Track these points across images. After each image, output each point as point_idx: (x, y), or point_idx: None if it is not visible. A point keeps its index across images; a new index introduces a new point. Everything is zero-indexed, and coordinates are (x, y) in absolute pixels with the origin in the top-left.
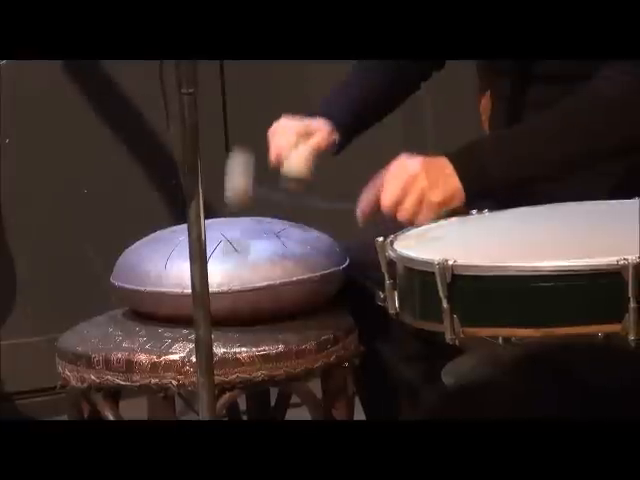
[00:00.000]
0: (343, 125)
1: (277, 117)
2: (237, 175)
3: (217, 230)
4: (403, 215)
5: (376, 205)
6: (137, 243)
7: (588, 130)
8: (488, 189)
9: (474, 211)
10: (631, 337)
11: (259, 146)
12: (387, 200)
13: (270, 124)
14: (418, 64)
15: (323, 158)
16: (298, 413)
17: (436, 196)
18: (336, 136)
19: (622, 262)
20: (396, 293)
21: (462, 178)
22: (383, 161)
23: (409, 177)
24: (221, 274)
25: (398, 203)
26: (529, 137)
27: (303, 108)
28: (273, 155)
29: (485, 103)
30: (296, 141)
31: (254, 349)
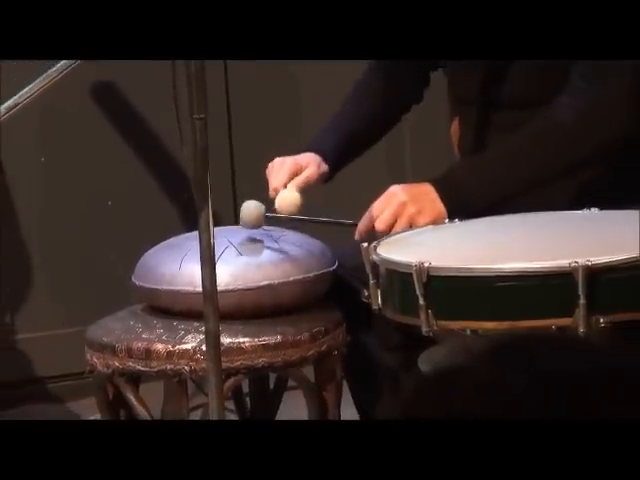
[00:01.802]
0: (332, 157)
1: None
2: (251, 212)
3: (224, 236)
4: None
5: (371, 228)
6: (155, 248)
7: (548, 152)
8: (467, 208)
9: (447, 219)
10: (581, 329)
11: (262, 159)
12: (381, 226)
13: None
14: (400, 98)
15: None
16: (294, 395)
17: (423, 220)
18: (325, 167)
19: (573, 264)
20: (379, 291)
21: (446, 202)
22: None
23: (399, 205)
24: (228, 274)
25: (390, 227)
26: (501, 161)
27: (303, 127)
28: (271, 194)
29: (455, 128)
30: (288, 179)
31: (256, 339)
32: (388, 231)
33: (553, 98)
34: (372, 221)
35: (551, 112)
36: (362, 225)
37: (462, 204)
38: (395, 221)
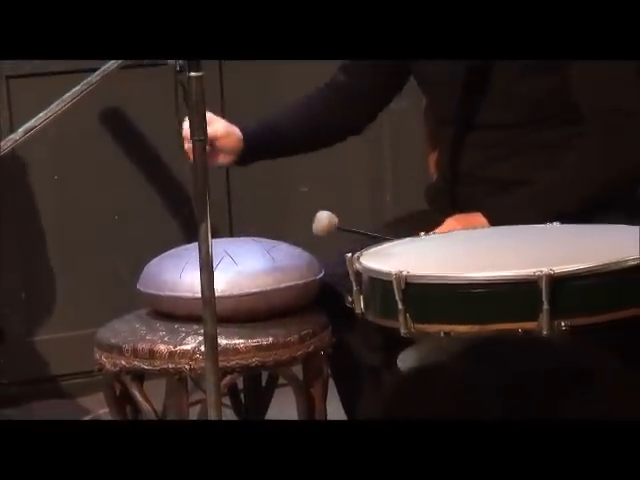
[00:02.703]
0: (249, 139)
1: None
2: (325, 220)
3: (221, 247)
4: None
5: None
6: (158, 257)
7: (582, 185)
8: None
9: (422, 233)
10: (544, 332)
11: (254, 178)
12: None
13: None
14: (340, 123)
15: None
16: (284, 391)
17: None
18: (238, 139)
19: (538, 273)
20: (362, 297)
21: None
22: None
23: None
24: (224, 282)
25: None
26: (543, 195)
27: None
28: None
29: (432, 161)
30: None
31: (250, 341)
32: None
33: (529, 121)
34: None
35: (581, 150)
36: None
37: None
38: None
